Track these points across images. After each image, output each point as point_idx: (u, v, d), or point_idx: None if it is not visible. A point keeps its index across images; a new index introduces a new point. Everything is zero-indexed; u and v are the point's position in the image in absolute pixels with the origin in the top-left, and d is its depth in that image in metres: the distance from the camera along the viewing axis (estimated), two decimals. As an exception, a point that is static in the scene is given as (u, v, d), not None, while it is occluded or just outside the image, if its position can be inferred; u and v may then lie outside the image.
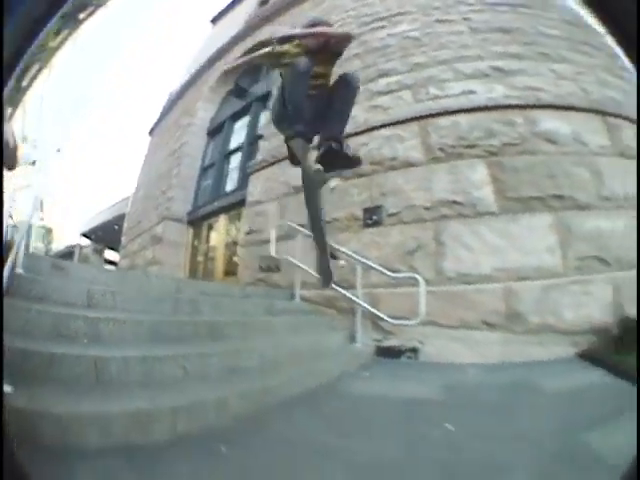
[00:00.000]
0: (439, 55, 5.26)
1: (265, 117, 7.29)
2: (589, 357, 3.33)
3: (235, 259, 6.94)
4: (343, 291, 3.85)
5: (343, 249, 4.04)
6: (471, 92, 4.68)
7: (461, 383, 2.84)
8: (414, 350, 3.66)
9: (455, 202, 4.10)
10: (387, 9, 6.42)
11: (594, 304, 3.71)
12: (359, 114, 5.07)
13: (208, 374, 1.99)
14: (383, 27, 6.15)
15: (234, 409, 1.81)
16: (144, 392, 1.62)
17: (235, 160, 8.52)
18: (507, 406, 2.32)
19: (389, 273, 3.78)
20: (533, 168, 4.08)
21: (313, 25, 1.94)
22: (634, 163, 4.41)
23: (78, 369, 1.60)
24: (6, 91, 0.68)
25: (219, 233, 7.95)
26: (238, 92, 8.48)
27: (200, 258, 8.33)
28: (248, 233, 6.05)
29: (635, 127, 4.63)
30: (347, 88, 1.92)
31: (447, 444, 1.76)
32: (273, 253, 4.80)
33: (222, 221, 7.84)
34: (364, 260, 3.88)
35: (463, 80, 4.85)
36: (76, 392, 1.48)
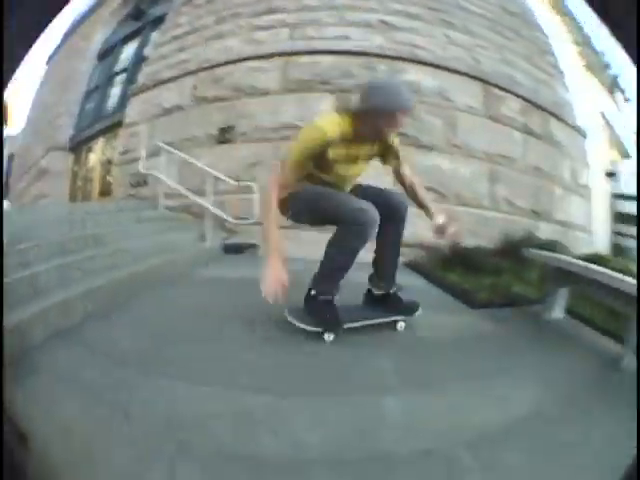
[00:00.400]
0: (333, 1, 6.34)
1: (155, 39, 8.38)
2: (415, 267, 4.51)
3: (109, 178, 8.22)
4: (195, 197, 4.96)
5: (197, 162, 5.04)
6: (346, 38, 5.81)
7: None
8: (254, 246, 4.78)
9: (296, 126, 5.09)
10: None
11: (423, 224, 4.77)
12: (235, 45, 6.30)
13: (96, 271, 3.05)
14: None
15: (118, 290, 2.90)
16: (62, 290, 2.57)
17: (120, 83, 9.49)
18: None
19: (232, 181, 4.85)
20: None
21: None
22: (500, 127, 5.87)
23: (21, 289, 2.46)
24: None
25: (97, 155, 9.14)
26: (136, 13, 9.46)
27: (80, 183, 9.54)
28: (122, 153, 7.16)
29: (520, 100, 6.11)
30: (396, 223, 2.42)
31: (251, 298, 2.62)
32: (141, 169, 5.79)
33: (100, 143, 9.00)
34: (212, 171, 4.87)
35: (344, 26, 5.98)
36: (23, 303, 2.27)
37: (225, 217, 4.85)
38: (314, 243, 4.78)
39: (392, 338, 2.30)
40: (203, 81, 6.24)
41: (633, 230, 7.17)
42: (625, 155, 10.77)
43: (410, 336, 2.35)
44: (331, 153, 2.04)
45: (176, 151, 5.34)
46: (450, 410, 1.59)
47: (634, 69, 0.70)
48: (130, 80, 8.45)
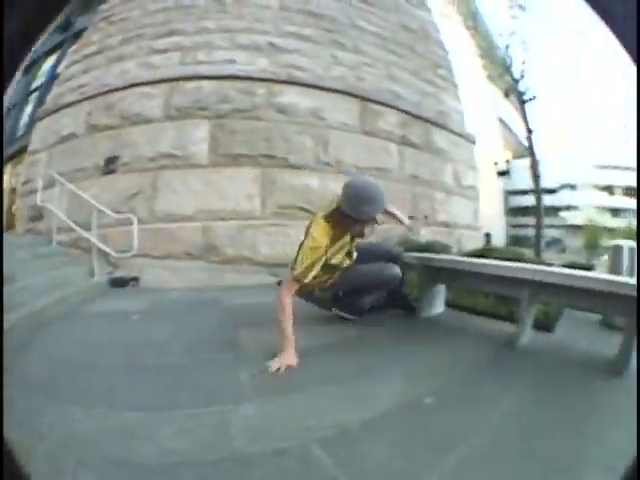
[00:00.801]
0: (230, 24, 6.59)
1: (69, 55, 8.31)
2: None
3: (14, 209, 7.81)
4: (82, 231, 5.00)
5: (84, 194, 5.14)
6: (231, 61, 6.04)
7: (163, 300, 4.08)
8: (136, 279, 4.91)
9: (173, 155, 5.42)
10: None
11: (294, 243, 5.12)
12: (131, 69, 6.42)
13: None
14: None
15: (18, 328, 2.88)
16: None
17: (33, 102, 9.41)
18: (188, 311, 3.60)
19: (113, 214, 4.98)
20: (252, 132, 5.50)
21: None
22: (375, 141, 6.23)
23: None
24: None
25: (6, 183, 8.73)
26: (64, 24, 9.27)
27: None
28: (24, 183, 7.00)
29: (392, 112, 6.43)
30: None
31: (136, 327, 3.04)
32: (38, 202, 5.79)
33: (9, 170, 8.77)
34: (96, 204, 4.96)
35: (233, 50, 6.22)
36: None
37: (108, 251, 4.95)
38: (192, 271, 5.15)
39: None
40: (97, 107, 6.27)
41: (527, 220, 7.79)
42: (518, 155, 11.39)
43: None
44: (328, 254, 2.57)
45: (66, 183, 5.39)
46: (308, 412, 1.69)
47: (634, 69, 0.71)
48: (40, 101, 8.32)
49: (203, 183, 5.33)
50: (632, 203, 41.81)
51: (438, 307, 3.28)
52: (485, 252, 5.98)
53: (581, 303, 2.62)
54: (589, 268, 5.13)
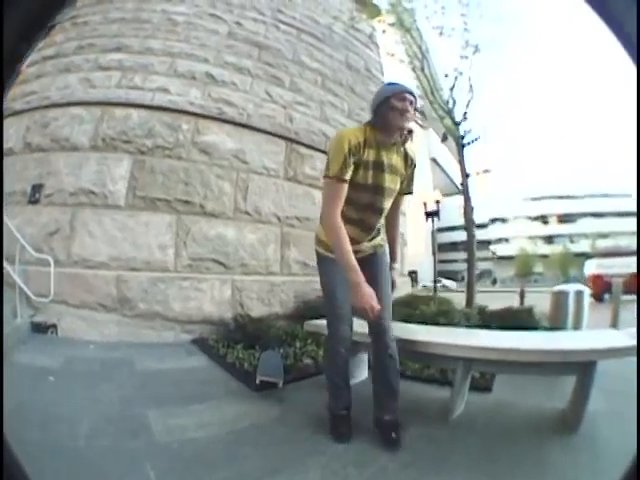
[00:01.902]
0: (174, 46, 6.57)
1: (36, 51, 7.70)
2: (201, 344, 4.66)
3: None
4: (7, 266, 4.52)
5: (11, 224, 4.76)
6: (164, 90, 5.99)
7: (79, 356, 3.97)
8: (54, 326, 4.71)
9: (92, 192, 5.27)
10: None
11: (207, 299, 5.28)
12: (73, 84, 6.25)
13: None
14: (167, 0, 7.35)
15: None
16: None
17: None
18: (100, 375, 3.39)
19: (33, 252, 4.77)
20: (171, 173, 5.47)
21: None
22: (299, 187, 6.26)
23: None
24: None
25: None
26: None
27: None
28: None
29: None
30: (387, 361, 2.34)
31: (50, 392, 2.89)
32: None
33: None
34: (19, 237, 4.70)
35: (170, 77, 6.17)
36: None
37: (29, 293, 4.65)
38: (107, 324, 4.81)
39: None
40: (36, 123, 5.97)
41: (457, 255, 8.19)
42: (446, 194, 11.63)
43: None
44: (360, 170, 2.17)
45: None
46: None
47: (634, 69, 0.70)
48: None
49: (118, 228, 5.18)
50: (567, 228, 45.28)
51: (360, 374, 3.16)
52: (411, 300, 6.16)
53: (523, 372, 2.45)
54: (528, 312, 5.08)
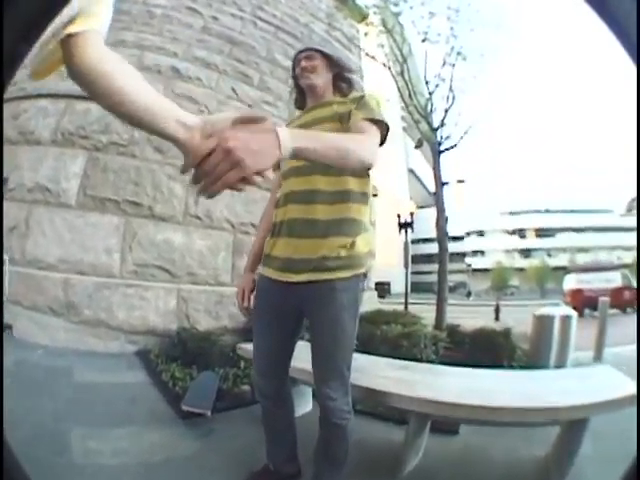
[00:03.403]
0: (146, 39, 6.47)
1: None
2: (144, 357, 4.46)
3: None
4: None
5: None
6: None
7: (26, 360, 3.96)
8: (10, 327, 4.64)
9: (47, 189, 5.20)
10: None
11: (152, 309, 5.13)
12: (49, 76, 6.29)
13: None
14: None
15: None
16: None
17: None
18: (39, 384, 3.32)
19: None
20: (123, 171, 5.38)
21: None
22: (256, 191, 6.21)
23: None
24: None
25: None
26: None
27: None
28: None
29: None
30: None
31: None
32: None
33: None
34: None
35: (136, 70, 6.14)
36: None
37: None
38: (56, 329, 4.71)
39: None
40: (10, 114, 5.82)
41: (430, 267, 8.16)
42: (422, 206, 11.57)
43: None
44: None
45: None
46: None
47: (634, 69, 0.69)
48: None
49: (68, 228, 5.10)
50: (544, 243, 46.18)
51: (303, 405, 2.84)
52: (375, 317, 5.79)
53: (494, 425, 2.13)
54: (505, 335, 4.55)
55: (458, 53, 7.84)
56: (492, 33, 8.45)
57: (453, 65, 7.89)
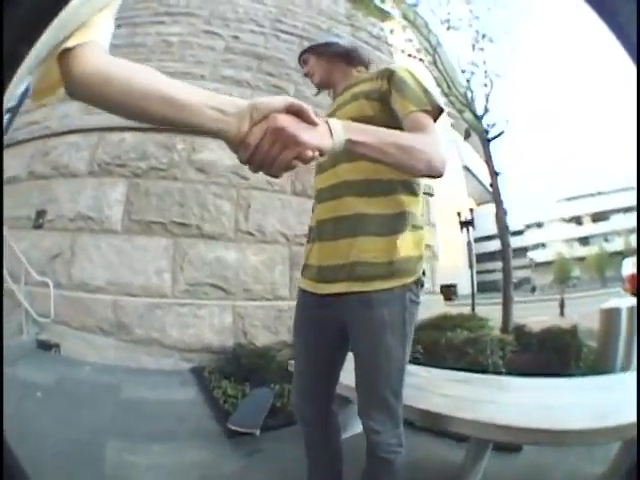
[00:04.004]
0: (169, 66, 6.45)
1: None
2: (198, 374, 4.49)
3: None
4: (13, 285, 4.97)
5: (15, 247, 5.13)
6: None
7: (72, 376, 4.11)
8: (57, 345, 4.90)
9: (89, 217, 5.42)
10: (185, 6, 7.80)
11: (206, 326, 5.16)
12: (72, 112, 6.37)
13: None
14: (161, 23, 7.46)
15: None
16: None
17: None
18: (84, 399, 3.40)
19: (36, 275, 5.07)
20: (166, 194, 5.45)
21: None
22: (309, 202, 6.09)
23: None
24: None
25: None
26: None
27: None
28: None
29: None
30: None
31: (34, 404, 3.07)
32: None
33: None
34: (24, 260, 5.06)
35: None
36: None
37: (32, 312, 4.96)
38: (106, 347, 4.89)
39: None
40: (38, 152, 6.23)
41: (495, 265, 7.71)
42: (480, 202, 11.13)
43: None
44: None
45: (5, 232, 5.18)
46: None
47: (634, 69, 0.69)
48: (5, 129, 8.38)
49: (115, 252, 5.27)
50: (601, 227, 43.33)
51: (352, 427, 2.47)
52: (440, 322, 5.57)
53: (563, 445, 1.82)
54: (572, 333, 4.34)
55: (483, 36, 7.63)
56: (507, 11, 8.22)
57: (482, 49, 7.68)
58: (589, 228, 45.73)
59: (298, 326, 1.65)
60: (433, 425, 2.12)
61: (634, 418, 1.34)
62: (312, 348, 1.60)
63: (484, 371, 2.97)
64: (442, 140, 1.26)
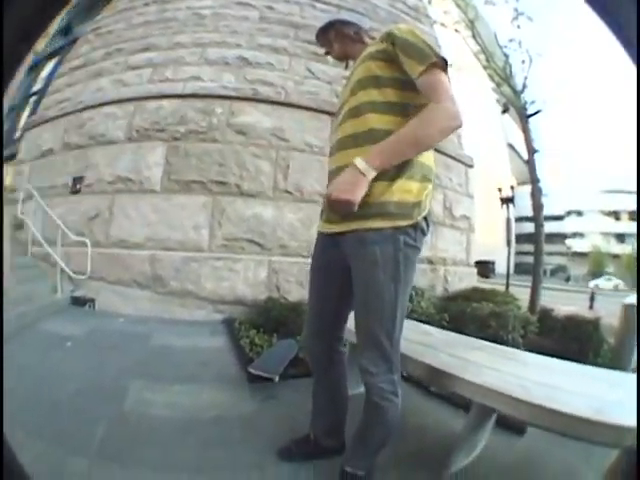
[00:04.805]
0: (203, 37, 6.62)
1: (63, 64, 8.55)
2: (228, 325, 4.61)
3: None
4: (48, 248, 5.28)
5: (52, 212, 5.46)
6: (196, 78, 6.04)
7: (104, 327, 4.29)
8: (92, 300, 5.13)
9: (129, 179, 5.49)
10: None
11: (240, 280, 5.23)
12: (106, 86, 6.59)
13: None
14: None
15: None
16: None
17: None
18: (112, 347, 3.59)
19: (72, 236, 5.27)
20: (205, 155, 5.45)
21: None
22: None
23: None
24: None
25: None
26: (66, 29, 9.35)
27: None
28: (11, 191, 7.14)
29: None
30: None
31: (59, 357, 3.18)
32: (19, 213, 6.11)
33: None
34: (60, 223, 5.29)
35: (201, 65, 6.22)
36: None
37: (67, 271, 5.19)
38: (140, 299, 5.11)
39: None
40: (72, 125, 6.42)
41: (530, 247, 7.52)
42: (523, 182, 10.89)
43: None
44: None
45: (39, 199, 5.61)
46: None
47: (634, 69, 0.70)
48: (33, 110, 8.48)
49: (154, 210, 5.34)
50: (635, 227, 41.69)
51: (358, 384, 2.44)
52: (470, 294, 5.90)
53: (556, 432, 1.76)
54: (594, 324, 4.29)
55: (521, 14, 7.58)
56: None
57: (518, 27, 7.62)
58: (626, 225, 44.76)
59: (313, 266, 1.78)
60: (438, 384, 2.14)
61: (634, 423, 1.28)
62: (322, 286, 1.74)
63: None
64: (451, 89, 1.38)
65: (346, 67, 1.94)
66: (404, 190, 1.45)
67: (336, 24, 1.87)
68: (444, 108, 1.34)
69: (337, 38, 1.88)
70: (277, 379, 2.92)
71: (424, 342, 2.27)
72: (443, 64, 1.43)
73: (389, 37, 1.53)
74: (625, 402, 1.47)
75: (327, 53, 1.97)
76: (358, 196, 1.32)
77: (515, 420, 2.06)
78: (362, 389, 1.59)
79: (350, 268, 1.56)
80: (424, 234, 1.51)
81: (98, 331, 4.12)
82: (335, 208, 1.39)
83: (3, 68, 0.70)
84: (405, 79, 1.47)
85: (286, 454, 1.91)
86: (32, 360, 2.94)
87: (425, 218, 1.50)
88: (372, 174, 1.32)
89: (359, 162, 1.32)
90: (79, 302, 5.11)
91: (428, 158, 1.53)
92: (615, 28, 0.74)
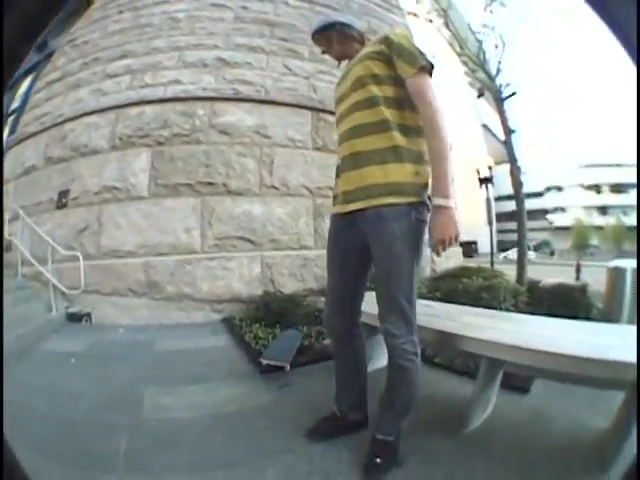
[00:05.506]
0: (180, 41, 6.65)
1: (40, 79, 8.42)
2: (228, 323, 4.69)
3: None
4: (39, 266, 5.21)
5: (39, 229, 5.36)
6: (176, 82, 6.05)
7: (105, 340, 4.26)
8: (88, 314, 5.07)
9: (115, 188, 5.48)
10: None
11: (235, 277, 5.29)
12: (85, 97, 6.56)
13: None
14: (165, 2, 7.46)
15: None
16: None
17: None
18: (116, 357, 3.58)
19: (62, 251, 5.18)
20: (191, 157, 5.49)
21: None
22: (329, 156, 5.92)
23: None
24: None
25: None
26: (41, 44, 8.85)
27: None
28: None
29: None
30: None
31: (66, 373, 3.17)
32: (5, 235, 5.95)
33: None
34: (49, 239, 5.20)
35: (179, 69, 6.25)
36: None
37: (60, 287, 5.11)
38: (137, 308, 5.09)
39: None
40: (53, 139, 6.37)
41: (514, 225, 7.67)
42: (500, 161, 11.07)
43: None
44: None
45: (26, 217, 5.53)
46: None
47: (634, 69, 0.71)
48: (13, 128, 8.30)
49: (143, 216, 5.34)
50: (619, 199, 43.30)
51: (379, 360, 2.64)
52: (458, 273, 5.95)
53: (561, 379, 2.07)
54: (581, 290, 4.43)
55: (499, 2, 7.70)
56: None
57: (491, 12, 7.76)
58: (608, 198, 45.55)
59: (330, 247, 1.94)
60: (447, 345, 2.29)
61: (633, 359, 1.40)
62: (341, 266, 1.90)
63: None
64: (434, 90, 1.69)
65: (338, 65, 2.16)
66: (404, 172, 1.68)
67: (337, 25, 2.04)
68: (433, 110, 1.65)
69: (339, 39, 2.06)
70: (288, 367, 3.03)
71: (428, 313, 2.46)
72: (430, 68, 1.71)
73: (386, 40, 1.78)
74: (623, 345, 1.58)
75: (324, 52, 2.16)
76: (458, 227, 1.59)
77: (519, 379, 2.36)
78: (376, 367, 1.93)
79: (366, 245, 1.76)
80: (429, 210, 1.69)
81: (100, 344, 4.13)
82: (450, 245, 1.62)
83: (3, 68, 0.70)
84: (399, 77, 1.73)
85: (315, 434, 1.99)
86: (38, 381, 2.93)
87: (428, 197, 1.69)
88: (451, 202, 1.57)
89: (439, 202, 1.58)
90: (75, 318, 5.04)
91: (424, 144, 1.73)
92: (615, 28, 0.75)
